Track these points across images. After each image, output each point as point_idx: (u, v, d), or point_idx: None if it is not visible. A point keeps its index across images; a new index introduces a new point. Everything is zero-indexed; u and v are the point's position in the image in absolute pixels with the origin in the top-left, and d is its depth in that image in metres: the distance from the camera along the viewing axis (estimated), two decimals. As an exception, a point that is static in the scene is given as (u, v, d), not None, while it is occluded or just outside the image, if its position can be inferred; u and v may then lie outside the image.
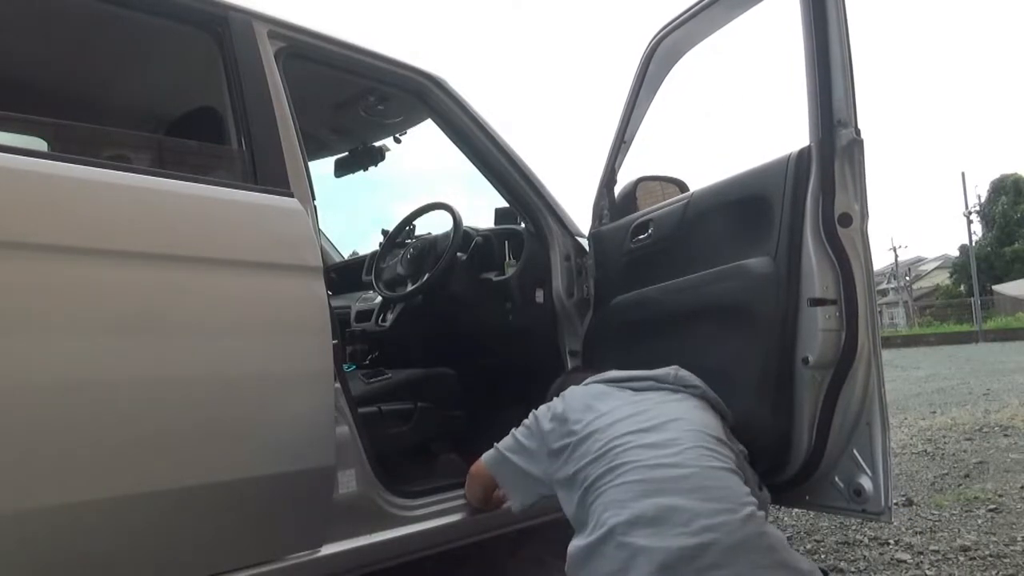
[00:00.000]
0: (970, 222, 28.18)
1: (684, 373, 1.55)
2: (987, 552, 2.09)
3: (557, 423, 1.47)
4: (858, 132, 1.50)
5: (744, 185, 1.74)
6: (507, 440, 1.58)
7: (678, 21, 1.96)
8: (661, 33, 2.02)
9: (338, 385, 1.54)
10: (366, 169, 2.81)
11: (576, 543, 1.24)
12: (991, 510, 2.50)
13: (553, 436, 1.46)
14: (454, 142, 2.15)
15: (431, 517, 1.71)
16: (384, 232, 2.73)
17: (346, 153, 2.80)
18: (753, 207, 1.67)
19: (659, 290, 1.89)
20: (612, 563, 1.14)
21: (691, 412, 1.41)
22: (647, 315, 1.92)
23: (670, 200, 2.03)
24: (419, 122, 2.56)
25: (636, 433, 1.31)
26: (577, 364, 2.16)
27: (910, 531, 2.34)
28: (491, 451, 1.60)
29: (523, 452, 1.52)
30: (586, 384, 1.59)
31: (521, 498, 1.54)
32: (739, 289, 1.65)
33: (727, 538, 1.10)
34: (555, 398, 1.56)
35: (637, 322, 1.96)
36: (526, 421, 1.57)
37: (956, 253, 36.02)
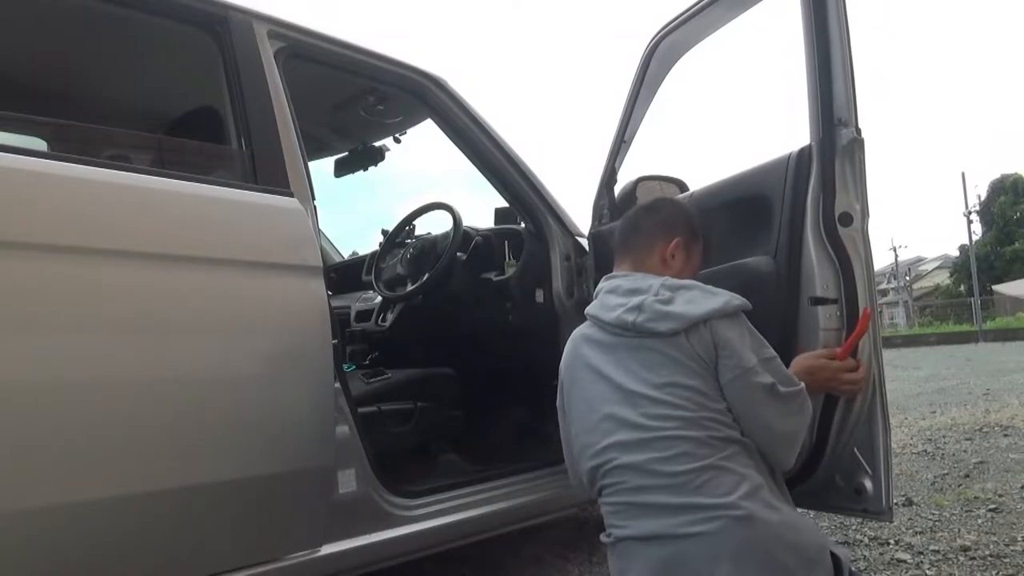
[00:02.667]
0: (970, 222, 28.16)
1: (650, 312, 1.32)
2: (987, 552, 2.09)
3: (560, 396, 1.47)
4: (859, 131, 1.50)
5: (744, 184, 1.74)
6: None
7: (678, 21, 1.96)
8: (661, 32, 2.02)
9: (338, 385, 1.54)
10: (366, 169, 2.81)
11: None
12: (991, 510, 2.50)
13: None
14: (454, 142, 2.15)
15: (431, 517, 1.72)
16: (384, 232, 2.73)
17: (346, 153, 2.80)
18: (753, 206, 1.67)
19: (659, 290, 1.89)
20: (617, 564, 1.28)
21: (666, 386, 1.27)
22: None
23: (670, 200, 2.02)
24: (419, 122, 2.56)
25: (615, 448, 1.28)
26: None
27: (910, 531, 2.33)
28: None
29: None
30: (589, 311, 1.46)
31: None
32: (739, 288, 1.64)
33: (717, 543, 1.16)
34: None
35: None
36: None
37: (956, 253, 36.00)
